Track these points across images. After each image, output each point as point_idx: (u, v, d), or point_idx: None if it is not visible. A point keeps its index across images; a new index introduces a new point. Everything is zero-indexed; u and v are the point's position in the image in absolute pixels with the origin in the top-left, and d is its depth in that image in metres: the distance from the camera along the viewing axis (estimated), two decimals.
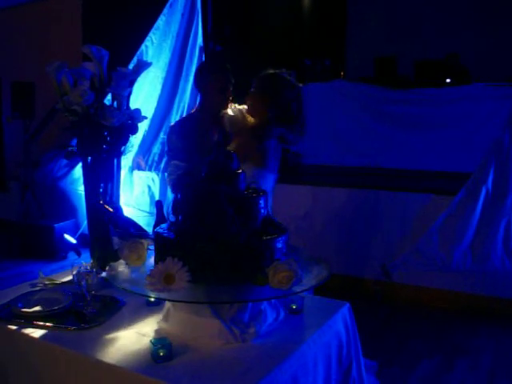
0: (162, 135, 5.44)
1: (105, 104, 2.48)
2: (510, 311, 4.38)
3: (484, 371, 3.57)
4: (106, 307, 2.06)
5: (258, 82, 2.95)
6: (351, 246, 4.96)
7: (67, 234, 5.34)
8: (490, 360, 3.73)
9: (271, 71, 2.96)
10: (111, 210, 2.30)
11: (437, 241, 4.69)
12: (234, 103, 3.36)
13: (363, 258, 4.97)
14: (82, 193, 2.74)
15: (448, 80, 6.99)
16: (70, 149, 2.63)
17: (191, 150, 3.39)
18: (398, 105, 5.96)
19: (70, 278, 2.33)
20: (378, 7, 8.43)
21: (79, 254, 5.20)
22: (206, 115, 3.36)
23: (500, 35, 7.44)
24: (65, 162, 5.61)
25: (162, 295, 1.71)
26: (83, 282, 1.99)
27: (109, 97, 2.59)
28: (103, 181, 2.50)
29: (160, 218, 2.29)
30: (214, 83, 3.26)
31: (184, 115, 3.93)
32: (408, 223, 4.92)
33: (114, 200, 2.51)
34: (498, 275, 4.52)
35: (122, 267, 1.99)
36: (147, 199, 5.46)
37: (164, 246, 1.83)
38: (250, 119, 3.02)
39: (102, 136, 2.44)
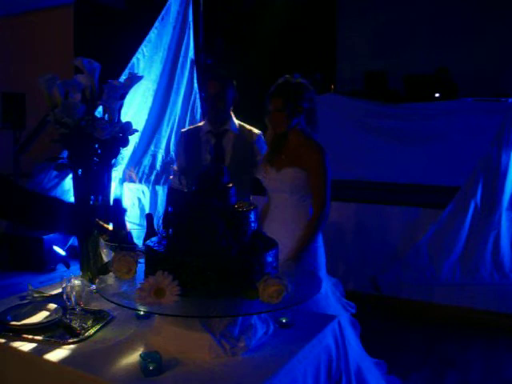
0: (152, 148, 5.44)
1: (96, 116, 2.48)
2: (500, 324, 4.41)
3: None
4: (95, 320, 2.05)
5: (279, 97, 2.90)
6: (340, 258, 4.98)
7: (56, 245, 5.31)
8: (480, 374, 3.74)
9: (282, 81, 2.94)
10: (110, 227, 2.28)
11: (426, 254, 4.72)
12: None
13: (352, 270, 4.99)
14: None
15: (437, 94, 7.06)
16: (60, 161, 2.62)
17: (186, 161, 3.46)
18: (387, 119, 6.01)
19: (59, 290, 2.32)
20: (369, 22, 8.52)
21: (68, 266, 5.16)
22: (205, 127, 3.43)
23: (488, 51, 7.53)
24: (55, 173, 5.59)
25: (152, 309, 1.70)
26: (72, 295, 1.98)
27: (100, 109, 2.60)
28: (94, 193, 2.50)
29: (150, 231, 2.28)
30: (206, 89, 3.37)
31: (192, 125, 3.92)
32: (397, 236, 4.94)
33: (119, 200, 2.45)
34: (488, 288, 4.55)
35: (111, 280, 1.99)
36: (137, 211, 5.45)
37: (154, 260, 1.82)
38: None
39: (93, 148, 2.45)
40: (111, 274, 1.99)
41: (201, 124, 3.58)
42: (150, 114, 5.40)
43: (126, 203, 5.39)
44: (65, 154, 2.61)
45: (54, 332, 1.95)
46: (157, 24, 5.38)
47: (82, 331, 1.94)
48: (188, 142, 3.52)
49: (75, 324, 1.98)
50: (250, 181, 3.38)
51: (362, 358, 2.80)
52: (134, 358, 1.77)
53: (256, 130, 3.46)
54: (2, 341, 1.92)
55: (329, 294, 2.94)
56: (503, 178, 4.51)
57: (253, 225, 1.88)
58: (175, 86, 5.43)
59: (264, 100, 3.00)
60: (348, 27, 8.67)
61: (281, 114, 2.89)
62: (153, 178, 5.42)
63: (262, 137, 3.43)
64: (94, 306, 2.18)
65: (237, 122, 3.46)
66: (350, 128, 6.10)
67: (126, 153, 5.14)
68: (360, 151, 5.98)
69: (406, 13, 8.04)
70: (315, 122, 2.96)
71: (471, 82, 7.14)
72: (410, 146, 5.78)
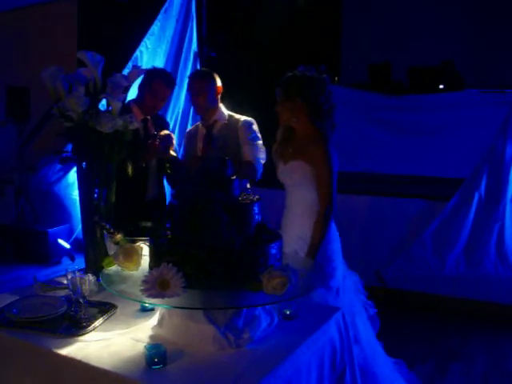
0: None
1: (100, 110, 2.48)
2: (504, 316, 4.41)
3: (477, 376, 3.59)
4: (100, 313, 2.06)
5: (282, 88, 2.90)
6: (346, 251, 4.96)
7: (61, 238, 5.33)
8: (484, 365, 3.74)
9: (290, 74, 2.92)
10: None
11: (430, 246, 4.72)
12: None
13: (358, 262, 4.98)
14: (77, 198, 2.75)
15: (441, 86, 7.04)
16: (64, 154, 2.64)
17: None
18: (391, 111, 5.99)
19: (64, 283, 2.33)
20: (373, 13, 8.48)
21: (73, 259, 5.20)
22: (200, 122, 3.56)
23: (493, 42, 7.49)
24: (59, 166, 5.61)
25: (157, 301, 1.71)
26: (78, 288, 1.99)
27: (103, 102, 2.60)
28: (98, 186, 2.50)
29: None
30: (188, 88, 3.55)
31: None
32: (402, 228, 4.94)
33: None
34: (492, 280, 4.55)
35: (116, 273, 2.00)
36: None
37: (159, 252, 1.83)
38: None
39: (97, 142, 2.45)
40: (116, 266, 2.00)
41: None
42: None
43: None
44: (69, 147, 2.61)
45: (59, 324, 1.96)
46: (160, 17, 5.37)
47: (88, 323, 1.96)
48: (189, 138, 3.70)
49: (80, 316, 1.99)
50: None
51: (376, 354, 2.80)
52: (138, 349, 1.78)
53: (243, 118, 3.51)
54: (8, 333, 1.93)
55: (340, 292, 2.91)
56: (508, 169, 4.51)
57: (256, 217, 1.88)
58: (178, 78, 5.42)
59: (270, 92, 3.01)
60: (353, 19, 8.63)
61: (281, 106, 2.91)
62: None
63: (249, 121, 3.49)
64: (99, 298, 2.19)
65: (226, 112, 3.56)
66: (354, 120, 6.08)
67: None
68: (364, 143, 5.97)
69: (411, 4, 8.00)
70: (324, 119, 2.90)
71: (476, 74, 7.11)
72: (415, 138, 5.76)
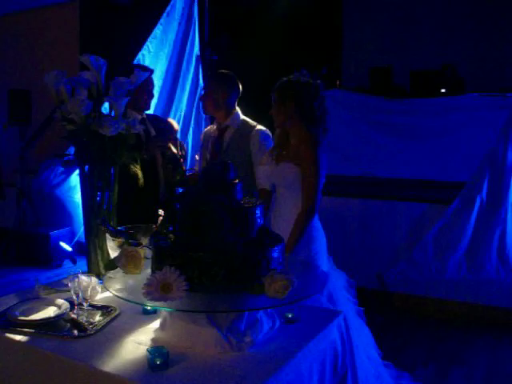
0: None
1: (102, 113, 2.49)
2: (504, 320, 4.40)
3: (478, 380, 3.59)
4: (102, 315, 2.06)
5: (277, 92, 2.96)
6: (347, 254, 4.98)
7: (63, 241, 5.33)
8: (485, 369, 3.74)
9: (285, 78, 2.97)
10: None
11: (432, 250, 4.72)
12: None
13: (359, 266, 4.99)
14: (79, 201, 2.76)
15: (443, 90, 7.05)
16: (67, 157, 2.65)
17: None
18: (393, 114, 6.01)
19: (66, 286, 2.33)
20: (374, 17, 8.50)
21: (75, 262, 5.20)
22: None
23: (494, 46, 7.50)
24: (61, 169, 5.61)
25: (159, 304, 1.72)
26: (80, 291, 2.00)
27: (106, 105, 2.60)
28: (100, 189, 2.51)
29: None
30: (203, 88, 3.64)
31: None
32: (403, 232, 4.95)
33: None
34: (493, 284, 4.55)
35: (118, 276, 2.00)
36: None
37: (161, 255, 1.83)
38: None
39: (100, 145, 2.45)
40: (118, 269, 2.00)
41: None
42: (155, 111, 5.41)
43: None
44: (71, 150, 2.62)
45: (61, 327, 1.97)
46: (162, 20, 5.38)
47: (90, 326, 1.96)
48: (205, 138, 3.74)
49: (82, 319, 1.99)
50: (249, 173, 3.43)
51: (359, 351, 2.77)
52: (141, 352, 1.78)
53: (259, 126, 3.51)
54: (11, 335, 1.94)
55: (323, 291, 2.91)
56: (509, 173, 4.51)
57: (259, 220, 1.89)
58: (181, 82, 5.43)
59: (269, 95, 3.04)
60: (354, 23, 8.65)
61: (275, 110, 2.98)
62: None
63: (264, 133, 3.47)
64: (101, 301, 2.19)
65: (241, 118, 3.54)
66: (355, 123, 6.10)
67: None
68: (365, 147, 5.98)
69: (412, 8, 8.02)
70: (317, 124, 2.92)
71: (478, 77, 7.12)
72: (416, 142, 5.77)
